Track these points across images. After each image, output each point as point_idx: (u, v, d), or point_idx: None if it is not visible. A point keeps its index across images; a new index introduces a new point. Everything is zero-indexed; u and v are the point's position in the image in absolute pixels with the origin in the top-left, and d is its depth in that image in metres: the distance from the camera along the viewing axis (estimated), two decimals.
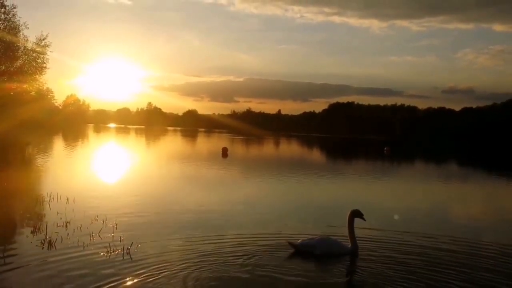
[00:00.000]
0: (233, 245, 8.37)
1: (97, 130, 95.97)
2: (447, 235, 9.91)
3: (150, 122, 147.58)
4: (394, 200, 16.27)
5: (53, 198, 12.18)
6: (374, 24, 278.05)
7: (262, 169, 25.51)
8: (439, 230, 10.40)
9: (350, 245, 8.26)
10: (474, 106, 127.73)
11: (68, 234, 8.70)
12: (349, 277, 7.23)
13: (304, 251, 8.02)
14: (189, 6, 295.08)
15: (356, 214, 8.54)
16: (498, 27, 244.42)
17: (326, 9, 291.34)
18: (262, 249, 8.20)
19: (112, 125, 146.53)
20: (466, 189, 21.45)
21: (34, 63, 41.53)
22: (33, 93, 48.11)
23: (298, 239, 8.41)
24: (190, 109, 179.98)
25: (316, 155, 47.29)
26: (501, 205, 16.58)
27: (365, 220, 8.61)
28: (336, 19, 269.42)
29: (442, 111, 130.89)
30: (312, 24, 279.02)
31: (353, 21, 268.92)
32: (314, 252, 7.97)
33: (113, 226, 9.40)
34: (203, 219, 10.81)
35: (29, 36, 42.22)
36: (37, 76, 42.33)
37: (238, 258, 7.54)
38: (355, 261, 7.88)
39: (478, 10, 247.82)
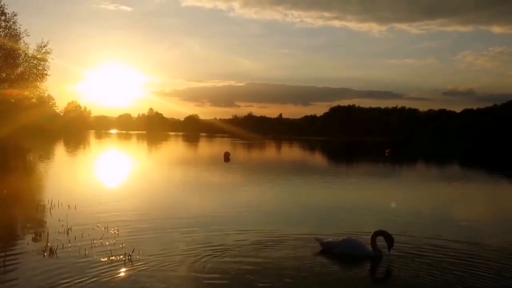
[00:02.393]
0: (237, 250, 8.29)
1: (99, 136, 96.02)
2: (460, 237, 9.79)
3: (152, 127, 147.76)
4: (402, 202, 16.03)
5: (54, 205, 12.14)
6: (373, 28, 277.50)
7: (264, 173, 25.41)
8: (449, 232, 10.27)
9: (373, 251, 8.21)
10: (474, 108, 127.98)
11: (69, 241, 8.65)
12: (361, 275, 7.18)
13: (327, 249, 8.33)
14: (189, 12, 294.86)
15: (381, 234, 8.24)
16: (496, 29, 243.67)
17: (326, 14, 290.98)
18: (265, 248, 8.16)
19: (113, 131, 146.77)
20: (473, 191, 21.25)
21: (35, 70, 41.64)
22: (34, 100, 48.16)
23: (328, 238, 8.71)
24: (191, 114, 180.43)
25: (318, 158, 47.15)
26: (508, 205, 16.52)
27: (389, 252, 8.12)
28: (336, 23, 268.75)
29: (443, 113, 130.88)
30: (312, 29, 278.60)
31: (353, 25, 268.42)
32: (332, 251, 8.21)
33: (114, 233, 9.34)
34: (207, 223, 10.67)
35: (29, 43, 42.48)
36: (38, 83, 42.46)
37: (244, 261, 7.49)
38: (375, 264, 7.85)
39: (477, 13, 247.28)
